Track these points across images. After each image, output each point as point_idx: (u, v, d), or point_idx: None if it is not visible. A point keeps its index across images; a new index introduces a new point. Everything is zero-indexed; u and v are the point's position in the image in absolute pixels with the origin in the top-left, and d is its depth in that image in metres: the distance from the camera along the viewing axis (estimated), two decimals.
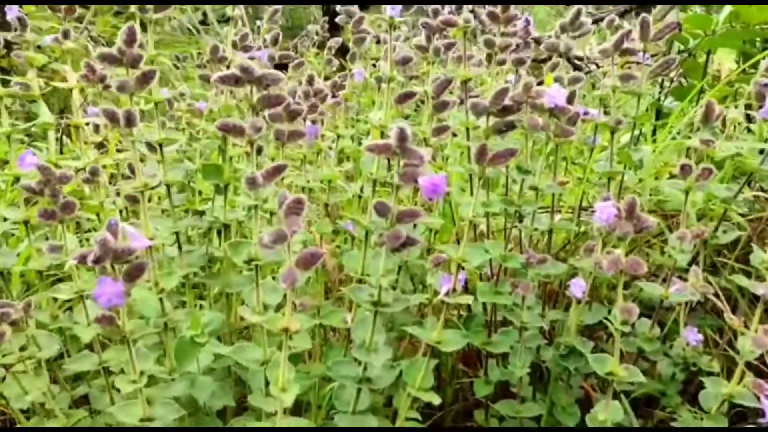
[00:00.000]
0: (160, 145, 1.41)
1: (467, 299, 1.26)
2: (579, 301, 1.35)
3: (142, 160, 1.61)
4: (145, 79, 1.08)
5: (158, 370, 1.12)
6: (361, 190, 1.63)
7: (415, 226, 1.17)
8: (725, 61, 2.38)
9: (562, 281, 1.68)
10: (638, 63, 1.46)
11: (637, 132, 1.53)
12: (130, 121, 1.07)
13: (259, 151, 1.37)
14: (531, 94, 1.17)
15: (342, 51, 2.03)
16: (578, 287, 1.25)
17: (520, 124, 1.20)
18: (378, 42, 1.95)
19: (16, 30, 1.63)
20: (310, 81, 1.47)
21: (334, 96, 1.68)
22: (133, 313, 1.35)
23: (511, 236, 1.47)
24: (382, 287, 1.14)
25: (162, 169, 1.41)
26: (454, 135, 1.71)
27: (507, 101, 1.18)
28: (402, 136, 1.01)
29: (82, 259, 0.94)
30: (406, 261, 1.48)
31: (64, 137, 2.30)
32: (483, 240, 1.50)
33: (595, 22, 1.62)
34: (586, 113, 1.73)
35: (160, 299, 1.28)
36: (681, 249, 1.19)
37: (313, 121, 1.57)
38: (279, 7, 1.88)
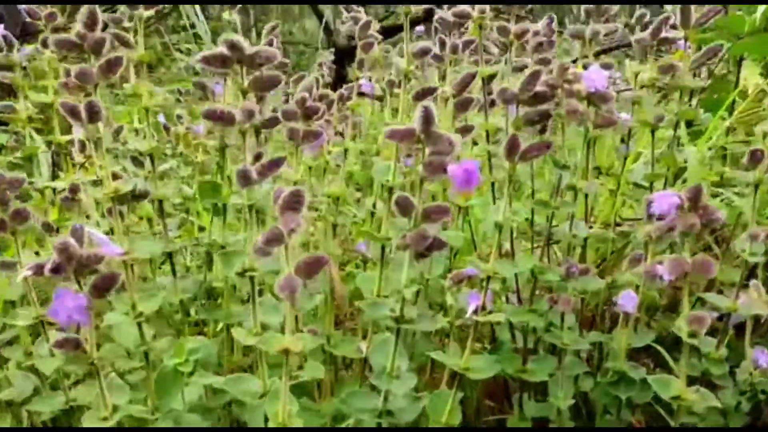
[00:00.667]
0: (151, 158, 1.26)
1: (499, 317, 1.09)
2: (627, 320, 1.17)
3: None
4: (110, 67, 0.93)
5: (137, 410, 0.93)
6: (374, 206, 1.47)
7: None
8: (751, 76, 2.25)
9: (598, 304, 1.50)
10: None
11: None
12: (93, 115, 0.91)
13: (258, 157, 1.21)
14: (567, 78, 1.02)
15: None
16: (629, 300, 1.07)
17: (556, 112, 1.04)
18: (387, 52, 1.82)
19: (1, 50, 1.50)
20: (316, 83, 1.32)
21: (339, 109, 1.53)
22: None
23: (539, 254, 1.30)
24: (405, 299, 0.97)
25: (153, 184, 1.25)
26: (475, 143, 1.56)
27: (539, 87, 1.03)
28: (428, 118, 0.86)
29: (39, 270, 0.77)
30: (428, 280, 1.31)
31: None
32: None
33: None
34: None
35: (139, 325, 1.10)
36: (752, 251, 1.02)
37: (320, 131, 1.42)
38: (277, 22, 1.75)
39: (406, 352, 1.03)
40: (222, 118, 0.86)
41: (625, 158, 1.48)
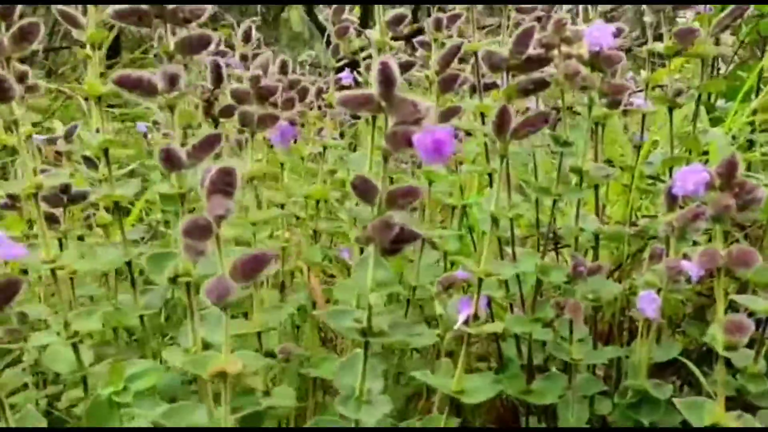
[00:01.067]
0: (105, 155, 1.10)
1: (495, 327, 0.91)
2: (648, 328, 0.99)
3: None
4: (24, 35, 0.77)
5: None
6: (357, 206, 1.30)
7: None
8: None
9: (615, 313, 1.32)
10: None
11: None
12: (3, 92, 0.76)
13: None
14: (565, 36, 0.85)
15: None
16: (650, 301, 0.89)
17: (555, 79, 0.87)
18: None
19: None
20: (284, 69, 1.17)
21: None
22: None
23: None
24: (371, 308, 0.79)
25: (109, 185, 1.09)
26: (468, 134, 1.39)
27: (532, 49, 0.86)
28: (387, 79, 0.69)
29: None
30: (414, 288, 1.13)
31: None
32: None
33: None
34: (628, 103, 1.41)
35: (75, 347, 0.94)
36: None
37: (291, 122, 1.26)
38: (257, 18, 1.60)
39: (390, 376, 0.85)
40: (139, 86, 0.70)
41: (639, 148, 1.31)
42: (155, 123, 1.85)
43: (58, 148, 1.33)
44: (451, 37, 1.17)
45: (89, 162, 1.23)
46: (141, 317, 1.13)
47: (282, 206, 1.26)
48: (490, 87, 1.26)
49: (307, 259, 1.31)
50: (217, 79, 1.04)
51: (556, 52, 0.85)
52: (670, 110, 1.11)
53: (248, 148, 1.01)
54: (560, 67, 0.85)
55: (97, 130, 1.12)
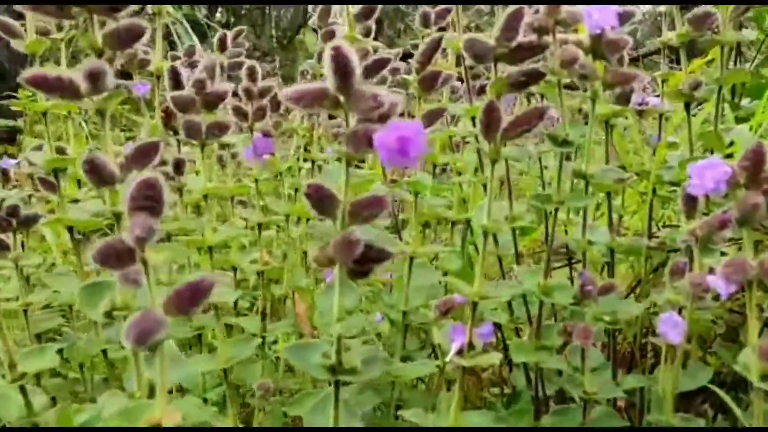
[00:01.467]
0: (56, 175, 1.00)
1: (491, 359, 0.79)
2: (672, 355, 0.86)
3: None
4: None
5: None
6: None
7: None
8: None
9: (637, 335, 1.18)
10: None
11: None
12: None
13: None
14: (560, 18, 0.73)
15: None
16: (672, 324, 0.76)
17: (550, 69, 0.75)
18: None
19: None
20: (252, 75, 1.06)
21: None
22: None
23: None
24: (341, 341, 0.67)
25: (61, 207, 0.99)
26: (467, 142, 1.27)
27: (523, 36, 0.74)
28: (344, 69, 0.58)
29: None
30: (405, 313, 1.01)
31: None
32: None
33: None
34: (643, 102, 1.29)
35: (22, 389, 0.83)
36: None
37: (266, 133, 1.16)
38: (244, 27, 1.51)
39: (358, 410, 0.73)
40: (59, 88, 0.60)
41: (655, 151, 1.18)
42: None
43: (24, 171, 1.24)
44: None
45: (46, 183, 1.13)
46: (104, 351, 1.03)
47: (259, 226, 1.15)
48: (485, 88, 1.15)
49: (292, 283, 1.20)
50: (177, 87, 0.94)
51: (550, 37, 0.74)
52: (687, 106, 0.99)
53: (202, 159, 0.90)
54: (555, 55, 0.73)
55: (61, 150, 1.03)
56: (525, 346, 0.87)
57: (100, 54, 0.63)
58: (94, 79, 0.60)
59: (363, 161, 1.50)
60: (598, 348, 0.96)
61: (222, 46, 1.28)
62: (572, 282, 1.27)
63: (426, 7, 1.06)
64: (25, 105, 0.96)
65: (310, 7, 5.91)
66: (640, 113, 1.28)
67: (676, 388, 0.87)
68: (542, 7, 0.74)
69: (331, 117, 1.52)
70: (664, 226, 1.29)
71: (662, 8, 1.07)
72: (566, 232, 1.43)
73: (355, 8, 0.87)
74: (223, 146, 1.20)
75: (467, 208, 1.36)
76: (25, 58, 0.90)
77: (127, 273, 0.55)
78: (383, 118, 0.60)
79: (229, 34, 1.44)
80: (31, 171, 1.22)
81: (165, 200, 0.53)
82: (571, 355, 0.92)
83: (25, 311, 0.96)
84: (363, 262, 0.62)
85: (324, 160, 1.31)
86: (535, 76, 0.76)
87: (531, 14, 0.74)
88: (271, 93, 1.07)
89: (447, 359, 0.81)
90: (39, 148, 1.26)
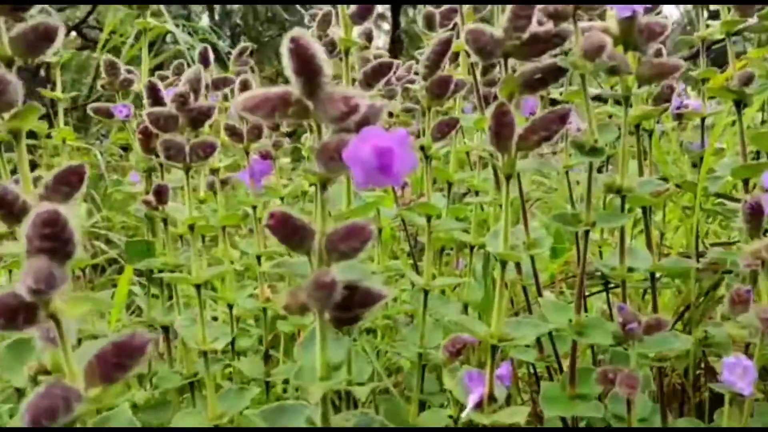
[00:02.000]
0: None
1: (515, 415, 0.65)
2: (740, 405, 0.71)
3: None
4: None
5: None
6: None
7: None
8: None
9: (688, 369, 1.03)
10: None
11: None
12: None
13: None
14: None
15: None
16: (740, 372, 0.61)
17: (570, 61, 0.62)
18: None
19: None
20: (245, 89, 0.95)
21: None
22: None
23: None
24: (327, 404, 0.54)
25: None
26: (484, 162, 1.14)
27: (536, 26, 0.62)
28: (308, 65, 0.46)
29: None
30: (419, 354, 0.88)
31: None
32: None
33: None
34: (682, 106, 1.15)
35: None
36: None
37: (264, 155, 1.05)
38: (249, 44, 1.41)
39: None
40: None
41: (701, 159, 1.04)
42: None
43: None
44: None
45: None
46: None
47: (258, 258, 1.03)
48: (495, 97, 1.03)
49: (296, 321, 1.08)
50: (157, 105, 0.83)
51: (570, 25, 0.61)
52: (738, 104, 0.84)
53: (186, 188, 0.79)
54: (578, 44, 0.60)
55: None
56: (558, 395, 0.73)
57: (9, 63, 0.52)
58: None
59: None
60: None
61: (205, 62, 1.18)
62: (611, 312, 1.12)
63: (430, 8, 0.94)
64: None
65: None
66: (678, 117, 1.13)
67: None
68: None
69: None
70: (712, 245, 1.14)
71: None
72: (600, 252, 1.28)
73: (349, 8, 0.75)
74: (213, 170, 1.10)
75: (486, 232, 1.22)
76: None
77: (47, 331, 0.43)
78: (359, 127, 0.47)
79: (234, 52, 1.34)
80: None
81: (74, 239, 0.41)
82: (612, 402, 0.77)
83: None
84: (347, 308, 0.49)
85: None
86: (554, 73, 0.63)
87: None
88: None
89: (464, 414, 0.68)
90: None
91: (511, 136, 0.61)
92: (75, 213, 0.54)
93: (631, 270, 0.72)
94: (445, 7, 0.96)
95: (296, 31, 0.45)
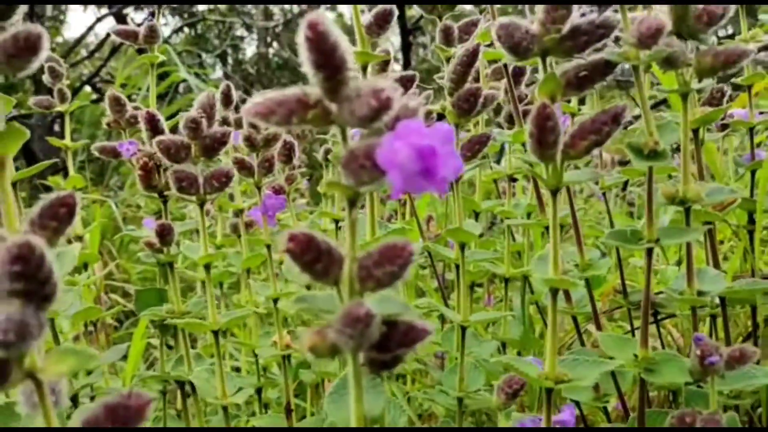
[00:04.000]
0: None
1: None
2: None
3: None
4: None
5: None
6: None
7: None
8: None
9: (763, 408, 0.93)
10: None
11: None
12: None
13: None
14: None
15: None
16: None
17: (621, 54, 0.54)
18: None
19: None
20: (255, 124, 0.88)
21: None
22: None
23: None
24: None
25: None
26: (513, 180, 1.07)
27: (578, 16, 0.54)
28: (328, 55, 0.39)
29: None
30: (461, 398, 0.78)
31: None
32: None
33: None
34: (727, 115, 1.06)
35: None
36: None
37: (277, 190, 0.98)
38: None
39: None
40: None
41: (753, 173, 0.95)
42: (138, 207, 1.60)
43: None
44: None
45: None
46: None
47: (275, 301, 0.95)
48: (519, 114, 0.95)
49: (322, 370, 0.99)
50: (156, 136, 0.77)
51: (617, 14, 0.54)
52: None
53: (201, 226, 0.71)
54: (630, 31, 0.53)
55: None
56: None
57: None
58: None
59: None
60: None
61: (227, 100, 1.12)
62: (663, 345, 1.03)
63: (447, 21, 0.87)
64: None
65: None
66: (723, 127, 1.05)
67: None
68: None
69: None
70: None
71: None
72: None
73: (365, 17, 0.68)
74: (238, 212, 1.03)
75: (521, 262, 1.14)
76: None
77: (29, 395, 0.35)
78: (393, 126, 0.40)
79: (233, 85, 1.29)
80: None
81: (52, 278, 0.34)
82: None
83: None
84: (385, 347, 0.41)
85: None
86: (601, 69, 0.56)
87: None
88: (278, 141, 0.89)
89: None
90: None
91: (556, 143, 0.53)
92: (67, 251, 0.47)
93: (701, 294, 0.63)
94: (463, 21, 0.89)
95: (314, 15, 0.38)
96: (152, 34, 1.00)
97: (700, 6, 0.54)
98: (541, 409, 0.62)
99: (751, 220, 0.94)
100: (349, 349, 0.41)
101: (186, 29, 6.95)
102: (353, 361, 0.43)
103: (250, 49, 9.17)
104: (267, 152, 0.90)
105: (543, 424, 0.59)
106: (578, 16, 0.55)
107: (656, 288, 0.96)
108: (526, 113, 0.90)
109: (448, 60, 0.86)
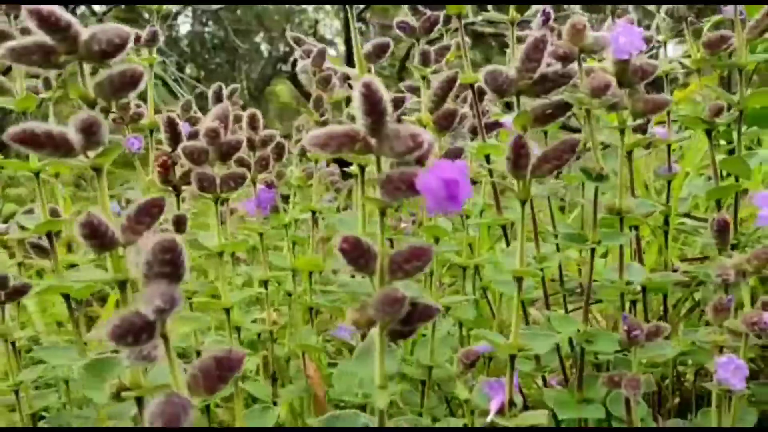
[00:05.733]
0: (50, 239, 0.92)
1: (538, 418, 0.72)
2: (726, 402, 0.79)
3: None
4: None
5: None
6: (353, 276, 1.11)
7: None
8: None
9: (669, 377, 1.12)
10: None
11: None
12: None
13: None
14: (585, 44, 0.69)
15: None
16: (735, 370, 0.70)
17: (577, 98, 0.70)
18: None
19: None
20: (253, 123, 1.00)
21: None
22: None
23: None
24: (383, 411, 0.60)
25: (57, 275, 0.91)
26: (473, 183, 1.22)
27: (545, 66, 0.70)
28: (374, 106, 0.52)
29: None
30: (430, 368, 0.94)
31: None
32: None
33: None
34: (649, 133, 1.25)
35: None
36: None
37: (269, 184, 1.10)
38: (237, 86, 1.46)
39: None
40: (49, 144, 0.53)
41: (669, 183, 1.14)
42: (128, 201, 1.68)
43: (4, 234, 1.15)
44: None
45: (38, 249, 1.05)
46: None
47: (265, 283, 1.08)
48: (492, 127, 1.11)
49: (302, 343, 1.12)
50: (175, 139, 0.88)
51: (575, 65, 0.69)
52: (708, 133, 0.95)
53: (216, 217, 0.84)
54: (584, 83, 0.69)
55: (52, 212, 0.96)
56: (567, 400, 0.80)
57: (92, 105, 0.57)
58: (89, 133, 0.54)
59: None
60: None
61: (218, 99, 1.22)
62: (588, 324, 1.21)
63: (425, 46, 1.01)
64: (16, 165, 0.89)
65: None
66: (648, 146, 1.24)
67: None
68: (566, 34, 0.70)
69: (328, 164, 1.46)
70: (681, 260, 1.25)
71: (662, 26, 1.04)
72: (580, 270, 1.38)
73: (366, 46, 0.82)
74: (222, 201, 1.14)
75: (475, 254, 1.30)
76: None
77: (141, 349, 0.48)
78: (419, 161, 0.54)
79: (225, 90, 1.38)
80: (21, 236, 1.14)
81: (185, 265, 0.46)
82: (612, 404, 0.85)
83: (17, 392, 0.87)
84: (408, 322, 0.55)
85: (320, 211, 1.25)
86: (562, 108, 0.71)
87: (553, 43, 0.70)
88: (273, 142, 1.02)
89: (488, 420, 0.74)
90: (30, 211, 1.19)
91: (527, 165, 0.68)
92: None
93: (628, 283, 0.81)
94: (438, 45, 1.04)
95: (367, 78, 0.52)
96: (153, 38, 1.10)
97: (637, 63, 0.71)
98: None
99: (666, 222, 1.13)
100: (383, 323, 0.55)
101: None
102: (380, 332, 0.57)
103: (184, 27, 9.02)
104: (264, 151, 1.02)
105: (506, 385, 0.74)
106: (545, 66, 0.70)
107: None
108: (487, 126, 1.06)
109: (423, 77, 1.01)
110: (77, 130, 0.53)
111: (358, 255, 0.55)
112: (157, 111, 1.22)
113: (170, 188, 0.92)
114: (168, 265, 0.45)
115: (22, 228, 1.03)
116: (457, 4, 0.95)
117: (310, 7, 8.85)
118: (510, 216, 0.91)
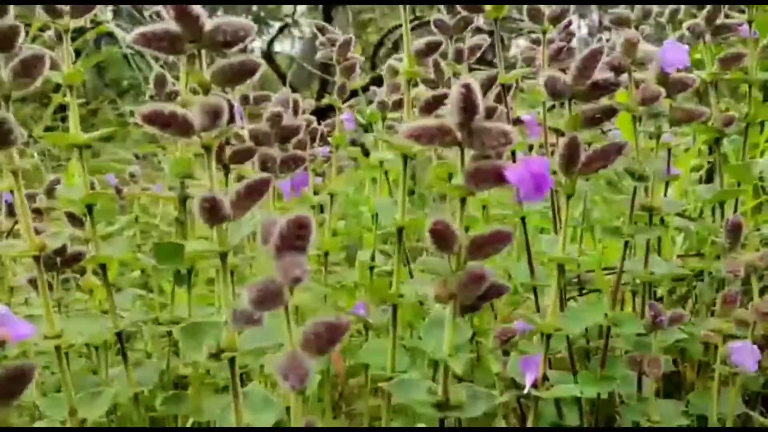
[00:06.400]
0: (90, 209, 0.96)
1: (571, 390, 0.80)
2: (733, 382, 0.89)
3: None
4: (27, 69, 0.66)
5: None
6: (373, 258, 1.17)
7: None
8: None
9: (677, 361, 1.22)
10: None
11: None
12: (3, 137, 0.64)
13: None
14: (636, 56, 0.76)
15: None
16: (747, 353, 0.79)
17: (626, 106, 0.78)
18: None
19: None
20: (295, 108, 1.06)
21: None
22: None
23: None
24: (448, 377, 0.67)
25: (94, 244, 0.95)
26: None
27: (599, 73, 0.77)
28: (469, 105, 0.59)
29: None
30: (477, 341, 1.00)
31: None
32: None
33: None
34: None
35: None
36: None
37: (304, 167, 1.15)
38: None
39: None
40: (173, 124, 0.59)
41: (667, 184, 1.23)
42: (132, 175, 1.71)
43: (37, 205, 1.18)
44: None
45: (74, 220, 1.09)
46: (135, 395, 0.98)
47: None
48: (515, 123, 1.18)
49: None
50: (229, 119, 0.93)
51: (626, 76, 0.77)
52: (717, 141, 1.04)
53: (271, 197, 0.89)
54: (635, 93, 0.76)
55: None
56: (590, 378, 0.88)
57: (206, 91, 0.62)
58: (214, 116, 0.59)
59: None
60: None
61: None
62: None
63: (460, 44, 1.08)
64: (65, 140, 0.93)
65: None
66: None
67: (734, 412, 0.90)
68: (620, 48, 0.77)
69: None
70: (678, 256, 1.34)
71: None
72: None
73: (417, 42, 0.87)
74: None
75: None
76: None
77: (252, 314, 0.54)
78: (501, 154, 0.61)
79: None
80: (51, 206, 1.18)
81: (312, 240, 0.52)
82: (622, 386, 0.94)
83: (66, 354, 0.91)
84: (484, 297, 0.62)
85: (343, 194, 1.31)
86: (610, 113, 0.79)
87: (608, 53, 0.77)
88: (311, 126, 1.07)
89: (525, 391, 0.81)
90: (57, 182, 1.22)
91: (577, 163, 0.76)
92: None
93: (652, 274, 0.89)
94: (471, 42, 1.10)
95: (466, 78, 0.58)
96: None
97: (677, 76, 0.79)
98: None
99: (662, 221, 1.22)
100: (463, 297, 0.62)
101: None
102: (454, 306, 0.64)
103: None
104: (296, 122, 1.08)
105: (541, 361, 0.82)
106: (602, 67, 0.77)
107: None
108: (515, 121, 1.13)
109: (454, 74, 1.08)
110: (203, 113, 0.58)
111: (444, 237, 0.61)
112: None
113: (221, 166, 0.97)
114: (301, 239, 0.51)
115: (65, 201, 1.06)
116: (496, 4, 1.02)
117: None
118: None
